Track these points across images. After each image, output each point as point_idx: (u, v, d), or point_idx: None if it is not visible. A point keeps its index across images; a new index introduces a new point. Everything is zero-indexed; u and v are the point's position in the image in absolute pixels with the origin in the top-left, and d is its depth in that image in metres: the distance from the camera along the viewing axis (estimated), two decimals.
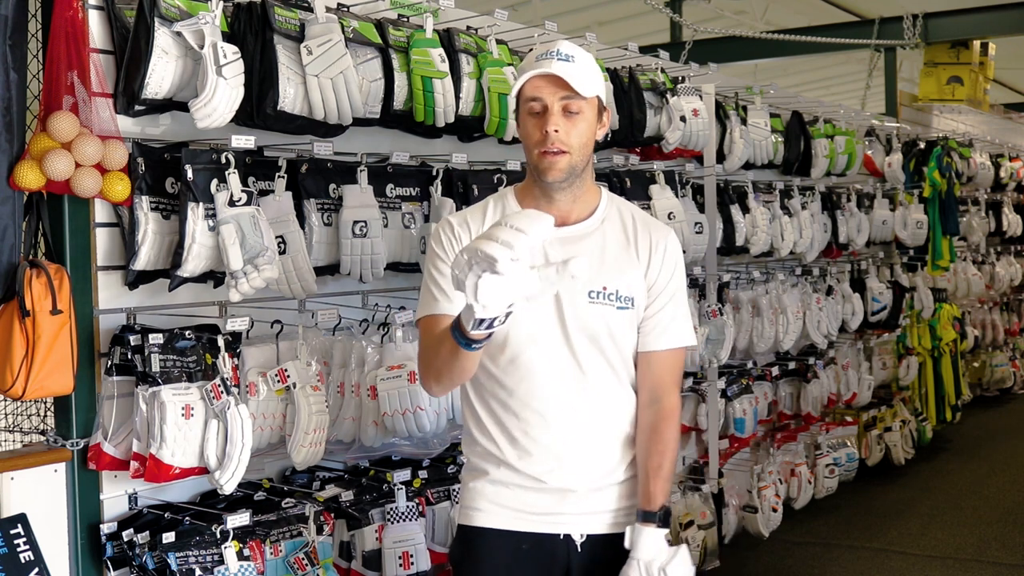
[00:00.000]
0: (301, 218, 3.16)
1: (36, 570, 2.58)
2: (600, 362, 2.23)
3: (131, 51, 2.74)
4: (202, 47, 2.72)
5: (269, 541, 2.95)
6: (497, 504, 2.25)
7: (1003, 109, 11.47)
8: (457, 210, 3.47)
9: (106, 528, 2.83)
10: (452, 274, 1.81)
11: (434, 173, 3.53)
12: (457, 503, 3.40)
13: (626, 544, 2.20)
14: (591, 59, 2.23)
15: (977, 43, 8.91)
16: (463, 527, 2.31)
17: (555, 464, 2.22)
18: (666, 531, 2.20)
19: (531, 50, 2.32)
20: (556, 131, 2.15)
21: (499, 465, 2.25)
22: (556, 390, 2.21)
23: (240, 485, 2.81)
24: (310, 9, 3.05)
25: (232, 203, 2.82)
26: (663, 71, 4.59)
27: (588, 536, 2.24)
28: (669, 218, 4.31)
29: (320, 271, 3.21)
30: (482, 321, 1.82)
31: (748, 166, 5.23)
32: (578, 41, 4.11)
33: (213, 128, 2.76)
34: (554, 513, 2.23)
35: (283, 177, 3.12)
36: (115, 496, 2.89)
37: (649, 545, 2.18)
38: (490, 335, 1.91)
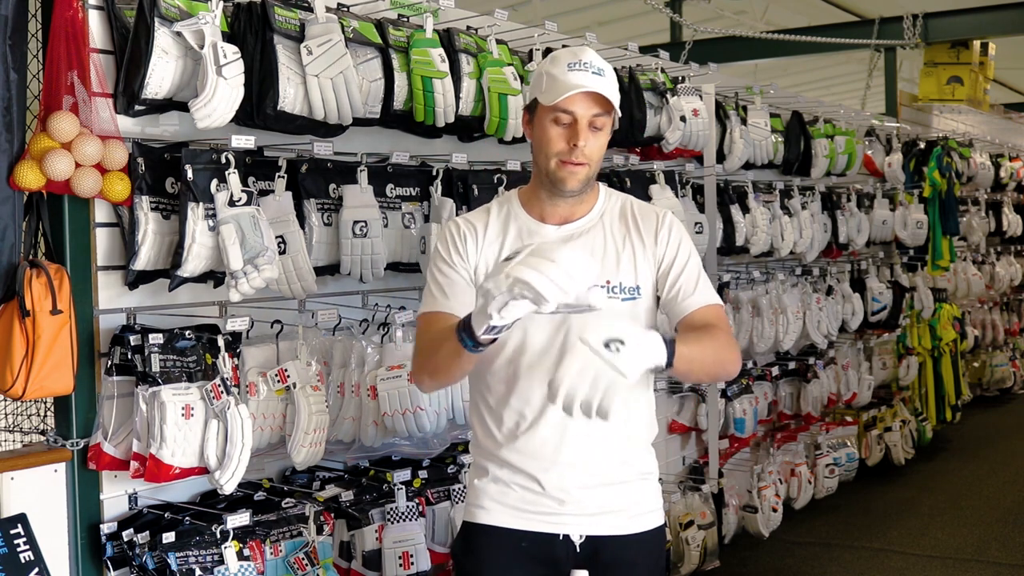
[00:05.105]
0: (301, 218, 3.16)
1: (36, 570, 2.57)
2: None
3: (131, 51, 2.74)
4: (202, 47, 2.72)
5: (269, 541, 2.95)
6: (499, 502, 2.26)
7: (1003, 109, 11.46)
8: (458, 210, 3.48)
9: (106, 528, 2.83)
10: (483, 286, 1.87)
11: (434, 173, 3.53)
12: (457, 503, 3.41)
13: None
14: (612, 69, 2.25)
15: (977, 43, 8.91)
16: (466, 523, 2.33)
17: (551, 465, 2.22)
18: (662, 345, 1.95)
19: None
20: (585, 145, 2.17)
21: (501, 465, 2.26)
22: None
23: (240, 485, 2.81)
24: (310, 9, 3.05)
25: (232, 203, 2.82)
26: (663, 71, 4.59)
27: (587, 537, 2.23)
28: None
29: (320, 271, 3.21)
30: (494, 327, 1.90)
31: (748, 166, 5.23)
32: (578, 41, 4.12)
33: (213, 128, 2.76)
34: (553, 513, 2.23)
35: (283, 177, 3.11)
36: (115, 496, 2.89)
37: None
38: (495, 340, 1.97)
